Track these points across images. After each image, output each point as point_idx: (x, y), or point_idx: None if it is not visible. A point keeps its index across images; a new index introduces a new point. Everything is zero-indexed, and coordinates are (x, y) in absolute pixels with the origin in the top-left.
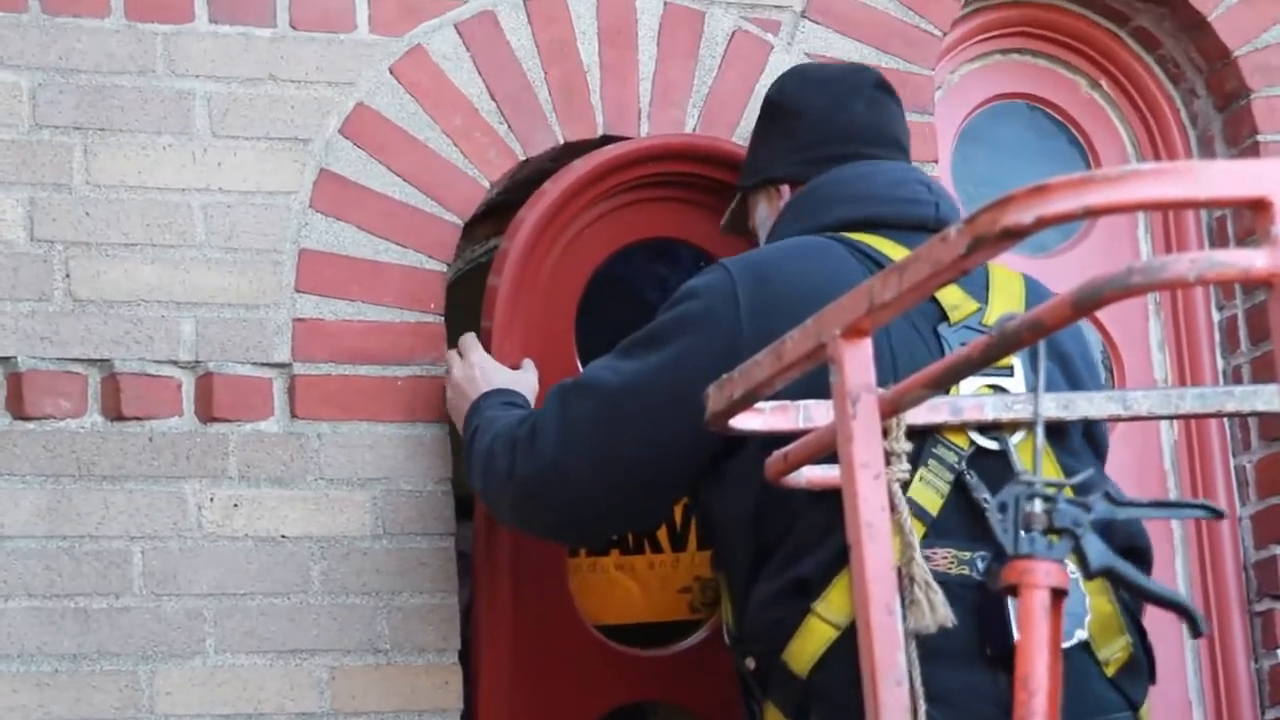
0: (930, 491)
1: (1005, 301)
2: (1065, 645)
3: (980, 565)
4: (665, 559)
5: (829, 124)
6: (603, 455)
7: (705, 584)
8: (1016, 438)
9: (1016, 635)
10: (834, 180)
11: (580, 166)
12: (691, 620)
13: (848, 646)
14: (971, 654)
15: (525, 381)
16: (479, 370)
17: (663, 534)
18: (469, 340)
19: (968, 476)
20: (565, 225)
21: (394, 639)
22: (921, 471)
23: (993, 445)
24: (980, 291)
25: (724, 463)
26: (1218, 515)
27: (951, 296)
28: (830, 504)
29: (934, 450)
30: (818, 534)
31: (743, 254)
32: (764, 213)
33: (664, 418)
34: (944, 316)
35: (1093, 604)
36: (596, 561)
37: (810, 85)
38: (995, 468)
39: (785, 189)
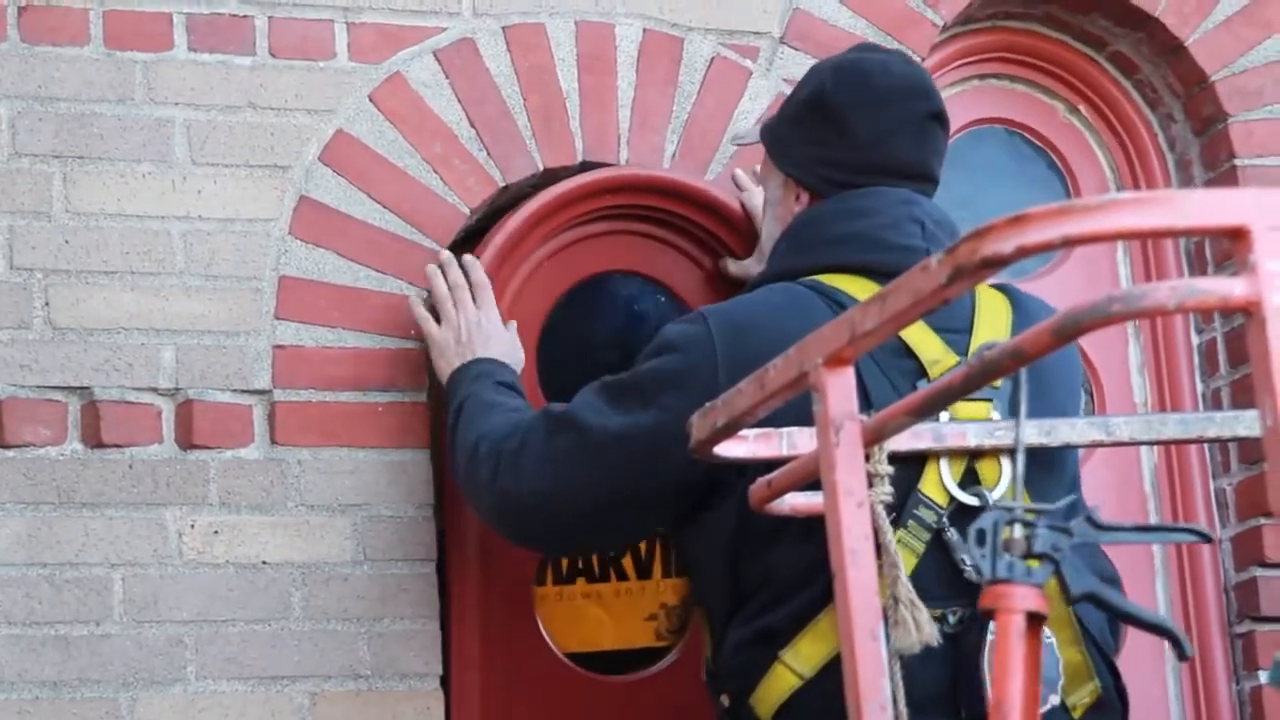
0: (906, 552)
1: None
2: (1041, 710)
3: (952, 620)
4: (631, 586)
5: (869, 154)
6: (579, 491)
7: (671, 611)
8: (998, 492)
9: (990, 690)
10: (836, 215)
11: (540, 199)
12: (659, 647)
13: (810, 696)
14: (942, 706)
15: (517, 357)
16: (479, 329)
17: (628, 562)
18: (464, 295)
19: (948, 534)
20: (525, 256)
21: (375, 665)
22: (900, 533)
23: (973, 501)
24: (961, 340)
25: (702, 514)
26: (1206, 539)
27: (931, 350)
28: (808, 552)
29: (914, 511)
30: (792, 585)
31: (724, 306)
32: (776, 194)
33: (640, 473)
34: (924, 373)
35: (1064, 656)
36: (563, 590)
37: (867, 102)
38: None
39: (804, 196)
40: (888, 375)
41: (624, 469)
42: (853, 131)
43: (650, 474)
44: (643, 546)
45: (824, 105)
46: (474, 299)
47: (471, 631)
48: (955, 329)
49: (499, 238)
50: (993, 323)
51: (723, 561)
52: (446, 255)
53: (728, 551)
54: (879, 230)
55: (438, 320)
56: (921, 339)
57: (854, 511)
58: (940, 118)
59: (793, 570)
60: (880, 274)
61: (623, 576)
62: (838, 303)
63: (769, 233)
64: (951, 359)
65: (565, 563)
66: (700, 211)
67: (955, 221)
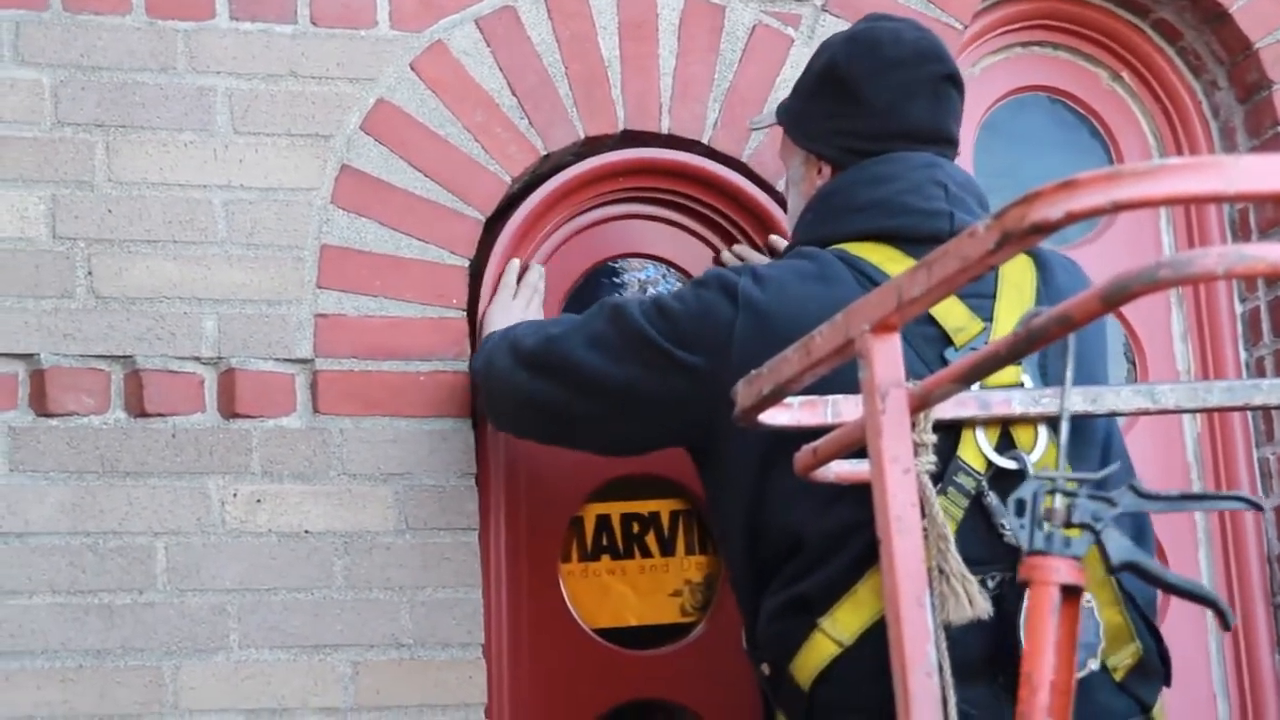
0: (947, 519)
1: (1012, 313)
2: (1078, 675)
3: (991, 584)
4: (656, 563)
5: (885, 120)
6: (591, 369)
7: (696, 587)
8: (1035, 455)
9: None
10: (858, 183)
11: (551, 184)
12: (684, 622)
13: (850, 664)
14: (982, 671)
15: None
16: (533, 313)
17: (651, 539)
18: (537, 278)
19: (987, 499)
20: (541, 241)
21: (417, 634)
22: (941, 500)
23: (1011, 465)
24: (986, 305)
25: (718, 489)
26: (1255, 507)
27: (956, 318)
28: (836, 516)
29: (954, 477)
30: (823, 550)
31: (762, 273)
32: (799, 172)
33: (645, 385)
34: (949, 341)
35: (1105, 617)
36: (588, 567)
37: (880, 69)
38: (1014, 487)
39: (826, 169)
40: (911, 342)
41: (635, 374)
42: (868, 99)
43: (651, 390)
44: (666, 525)
45: (838, 77)
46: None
47: (498, 605)
48: (979, 294)
49: (508, 229)
50: (1018, 286)
51: (746, 525)
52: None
53: (750, 514)
54: (901, 195)
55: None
56: (945, 305)
57: (900, 478)
58: (954, 80)
59: (822, 534)
60: (904, 240)
61: (647, 554)
62: (862, 272)
63: (793, 210)
64: (977, 325)
65: (590, 540)
66: (718, 196)
67: (979, 184)
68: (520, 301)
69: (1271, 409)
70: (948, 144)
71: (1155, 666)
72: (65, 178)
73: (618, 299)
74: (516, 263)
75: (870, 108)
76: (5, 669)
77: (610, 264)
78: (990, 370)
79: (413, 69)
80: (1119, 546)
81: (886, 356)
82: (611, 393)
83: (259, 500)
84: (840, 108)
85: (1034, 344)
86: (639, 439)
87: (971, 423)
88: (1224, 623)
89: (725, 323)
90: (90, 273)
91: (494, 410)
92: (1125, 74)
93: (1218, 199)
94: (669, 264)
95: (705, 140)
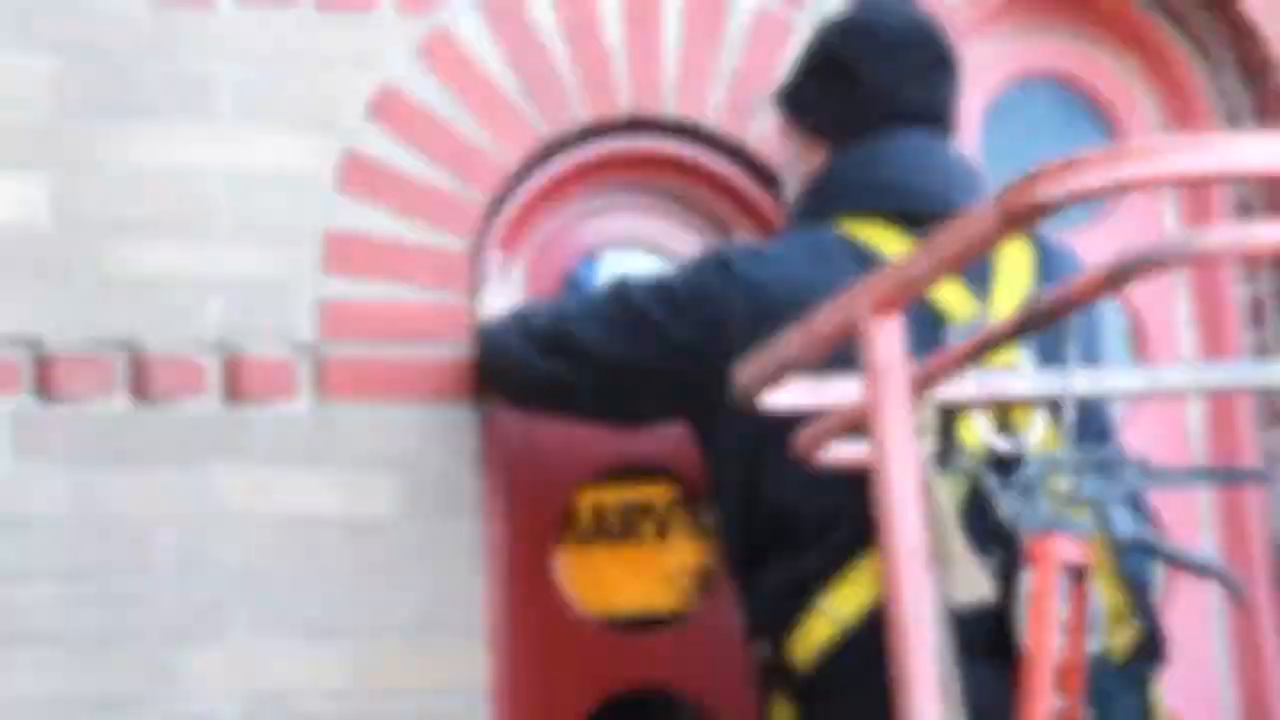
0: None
1: (1010, 294)
2: None
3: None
4: (653, 547)
5: (882, 101)
6: (599, 346)
7: (694, 572)
8: (1032, 438)
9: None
10: (854, 163)
11: (546, 172)
12: (682, 607)
13: (850, 644)
14: (980, 651)
15: None
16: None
17: (649, 525)
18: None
19: (984, 481)
20: (537, 229)
21: (421, 620)
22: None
23: (1008, 448)
24: (984, 286)
25: (716, 467)
26: (1263, 480)
27: (954, 299)
28: (831, 496)
29: (953, 459)
30: (818, 529)
31: (760, 247)
32: (795, 153)
33: (646, 359)
34: (942, 320)
35: (1101, 600)
36: (585, 550)
37: (876, 51)
38: (1011, 470)
39: (822, 150)
40: (910, 323)
41: (636, 350)
42: (864, 81)
43: (652, 367)
44: (663, 511)
45: (833, 59)
46: None
47: (495, 591)
48: (975, 274)
49: (505, 213)
50: (1015, 267)
51: (742, 503)
52: None
53: (747, 492)
54: (899, 175)
55: None
56: (943, 285)
57: (902, 460)
58: (950, 60)
59: (819, 514)
60: (903, 218)
61: (644, 538)
62: (860, 251)
63: (790, 191)
64: (975, 306)
65: (588, 524)
66: (716, 188)
67: (980, 166)
68: (506, 293)
69: (1275, 391)
70: (944, 124)
71: (1153, 646)
72: (68, 163)
73: (623, 277)
74: (497, 256)
75: (866, 88)
76: (7, 655)
77: (606, 253)
78: (992, 351)
79: (418, 54)
80: (1125, 523)
81: (889, 338)
82: (614, 369)
83: (263, 486)
84: (837, 89)
85: (1037, 325)
86: (641, 413)
87: (970, 405)
88: (1237, 597)
89: (722, 298)
90: (94, 258)
91: (504, 388)
92: (1131, 57)
93: (1222, 177)
94: (664, 254)
95: (710, 125)
